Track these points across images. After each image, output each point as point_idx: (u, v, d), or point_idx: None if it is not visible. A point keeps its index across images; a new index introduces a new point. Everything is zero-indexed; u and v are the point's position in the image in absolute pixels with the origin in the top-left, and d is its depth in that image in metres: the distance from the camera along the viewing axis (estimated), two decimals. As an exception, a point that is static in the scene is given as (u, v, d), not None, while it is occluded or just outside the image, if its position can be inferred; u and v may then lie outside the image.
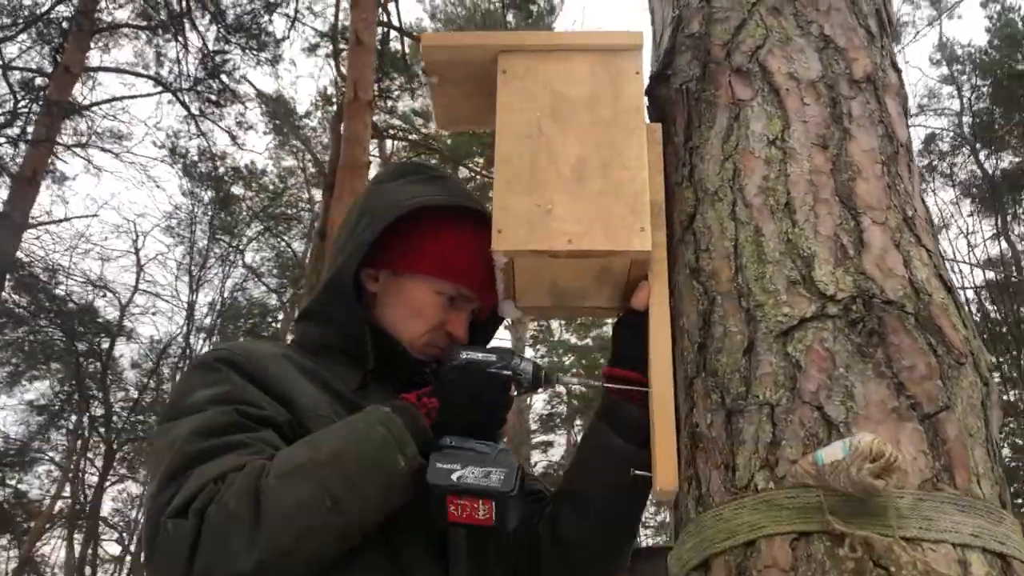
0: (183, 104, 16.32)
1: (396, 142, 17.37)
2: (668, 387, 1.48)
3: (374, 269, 1.60)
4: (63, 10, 14.50)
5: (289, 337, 1.66)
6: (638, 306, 1.54)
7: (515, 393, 1.44)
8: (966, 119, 20.79)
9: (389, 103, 16.33)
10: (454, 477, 1.28)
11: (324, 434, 1.29)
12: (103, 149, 17.47)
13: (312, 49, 16.57)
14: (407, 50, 11.72)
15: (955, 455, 1.24)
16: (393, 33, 12.53)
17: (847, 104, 1.52)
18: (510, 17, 16.44)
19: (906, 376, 1.28)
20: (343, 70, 16.12)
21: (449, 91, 1.77)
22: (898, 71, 1.62)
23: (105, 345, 20.60)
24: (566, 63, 1.64)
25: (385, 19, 11.20)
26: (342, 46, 16.27)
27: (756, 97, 1.55)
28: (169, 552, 1.15)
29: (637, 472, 1.49)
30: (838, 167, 1.46)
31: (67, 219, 18.61)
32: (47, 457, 21.39)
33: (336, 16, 15.24)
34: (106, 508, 21.83)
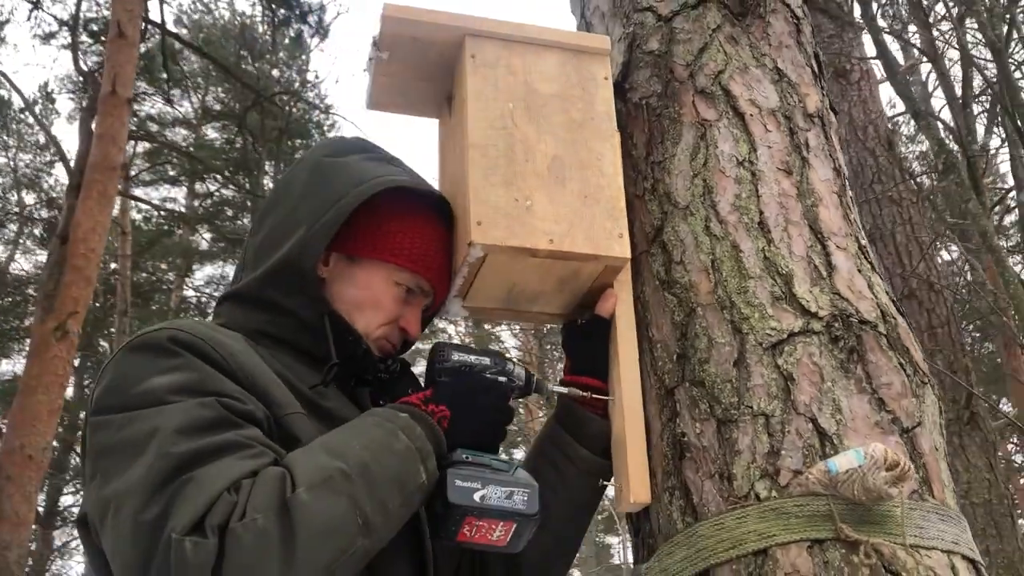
0: None
1: (138, 143, 16.12)
2: (639, 396, 1.46)
3: (324, 252, 1.42)
4: None
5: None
6: (604, 314, 1.51)
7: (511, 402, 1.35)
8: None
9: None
10: (477, 497, 1.17)
11: (344, 438, 1.13)
12: None
13: (48, 38, 15.02)
14: (165, 52, 10.92)
15: (931, 468, 1.32)
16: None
17: (803, 135, 1.60)
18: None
19: (884, 392, 1.34)
20: (82, 64, 14.80)
21: (395, 69, 1.65)
22: (835, 112, 1.73)
23: None
24: (536, 57, 1.59)
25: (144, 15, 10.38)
26: (83, 38, 14.92)
27: (722, 119, 1.59)
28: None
29: (605, 483, 1.44)
30: (802, 193, 1.53)
31: None
32: None
33: (78, 6, 13.95)
34: None
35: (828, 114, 1.68)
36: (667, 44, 1.69)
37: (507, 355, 1.37)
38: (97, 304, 15.60)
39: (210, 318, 1.45)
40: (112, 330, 14.98)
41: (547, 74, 1.58)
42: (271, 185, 19.82)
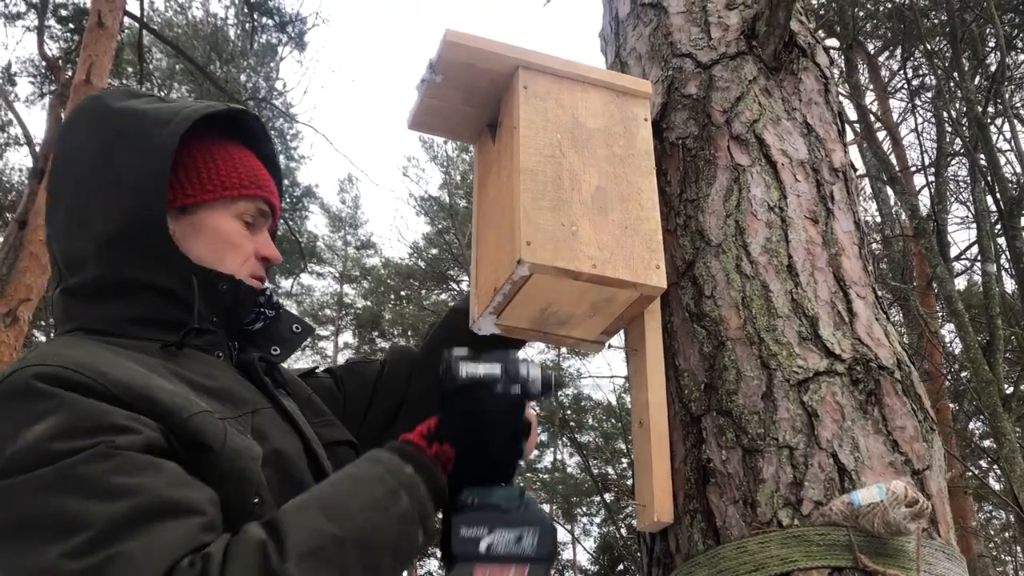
0: None
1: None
2: (665, 421, 1.52)
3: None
4: None
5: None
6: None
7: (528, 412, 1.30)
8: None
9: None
10: (483, 546, 1.12)
11: (342, 496, 1.05)
12: None
13: (13, 18, 14.74)
14: (141, 46, 10.79)
15: (937, 509, 1.40)
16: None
17: (829, 187, 1.70)
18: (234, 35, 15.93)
19: (898, 435, 1.43)
20: (47, 50, 14.56)
21: (445, 93, 1.71)
22: (855, 170, 1.83)
23: None
24: (584, 93, 1.66)
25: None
26: (49, 22, 14.68)
27: (755, 165, 1.68)
28: None
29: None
30: (827, 242, 1.62)
31: None
32: None
33: (48, -12, 13.72)
34: None
35: (850, 170, 1.78)
36: (705, 90, 1.78)
37: (515, 356, 1.24)
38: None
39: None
40: (51, 320, 14.67)
41: (593, 110, 1.66)
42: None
